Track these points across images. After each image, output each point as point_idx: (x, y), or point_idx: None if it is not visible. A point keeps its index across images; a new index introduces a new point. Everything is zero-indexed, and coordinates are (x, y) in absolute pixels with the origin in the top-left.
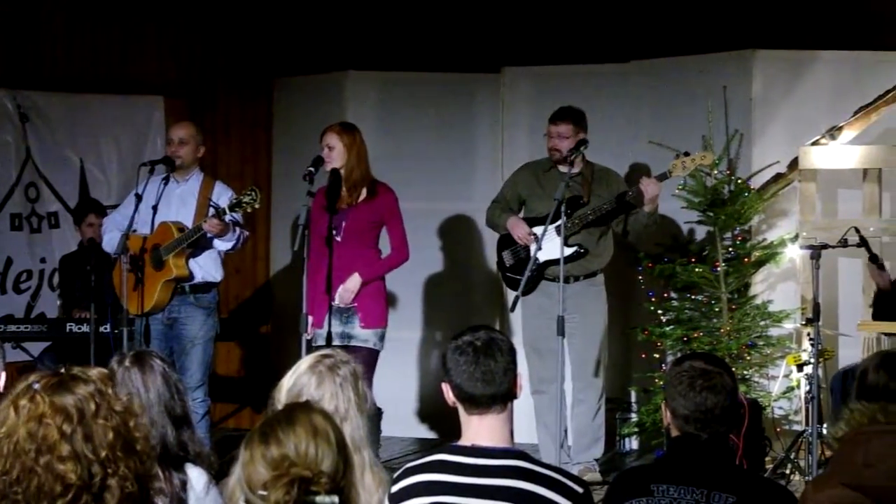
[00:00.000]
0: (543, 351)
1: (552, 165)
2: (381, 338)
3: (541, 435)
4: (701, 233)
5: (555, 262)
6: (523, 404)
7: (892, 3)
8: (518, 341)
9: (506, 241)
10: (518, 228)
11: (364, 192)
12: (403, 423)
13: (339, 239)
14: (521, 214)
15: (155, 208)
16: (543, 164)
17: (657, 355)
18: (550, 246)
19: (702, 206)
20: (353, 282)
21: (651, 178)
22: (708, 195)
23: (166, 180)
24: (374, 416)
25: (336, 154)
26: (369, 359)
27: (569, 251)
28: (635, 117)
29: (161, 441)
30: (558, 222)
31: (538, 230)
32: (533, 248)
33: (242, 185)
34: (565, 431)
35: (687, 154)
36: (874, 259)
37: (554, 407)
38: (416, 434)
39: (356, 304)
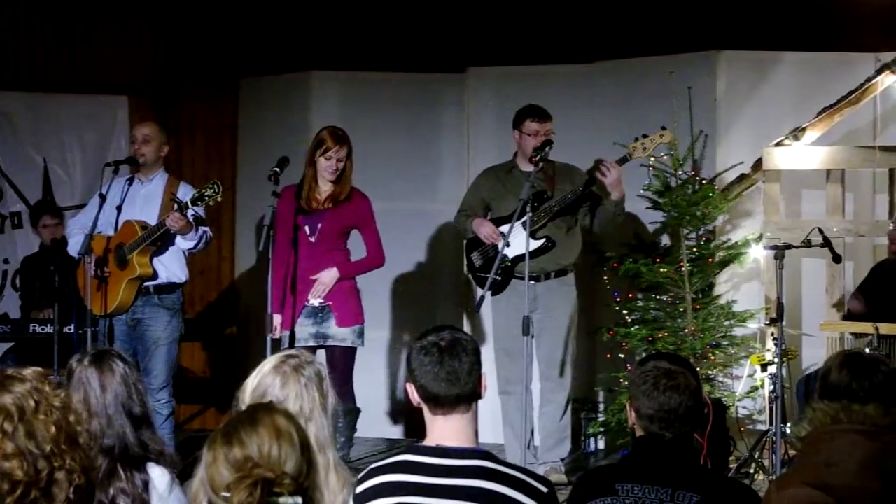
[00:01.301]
0: (514, 351)
1: (513, 167)
2: (360, 334)
3: (507, 435)
4: (665, 233)
5: (524, 257)
6: (487, 404)
7: (855, 5)
8: (487, 341)
9: (474, 244)
10: (484, 227)
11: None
12: (371, 422)
13: (312, 240)
14: (488, 217)
15: (119, 209)
16: (504, 166)
17: (622, 355)
18: (518, 241)
19: (666, 207)
20: (329, 275)
21: (610, 161)
22: (672, 196)
23: (130, 181)
24: (352, 415)
25: (342, 166)
26: (347, 357)
27: (537, 244)
28: (600, 118)
29: (121, 441)
30: (524, 218)
31: (504, 228)
32: (500, 244)
33: None
34: (531, 432)
35: (645, 136)
36: (837, 260)
37: (521, 407)
38: (383, 434)
39: (331, 303)
